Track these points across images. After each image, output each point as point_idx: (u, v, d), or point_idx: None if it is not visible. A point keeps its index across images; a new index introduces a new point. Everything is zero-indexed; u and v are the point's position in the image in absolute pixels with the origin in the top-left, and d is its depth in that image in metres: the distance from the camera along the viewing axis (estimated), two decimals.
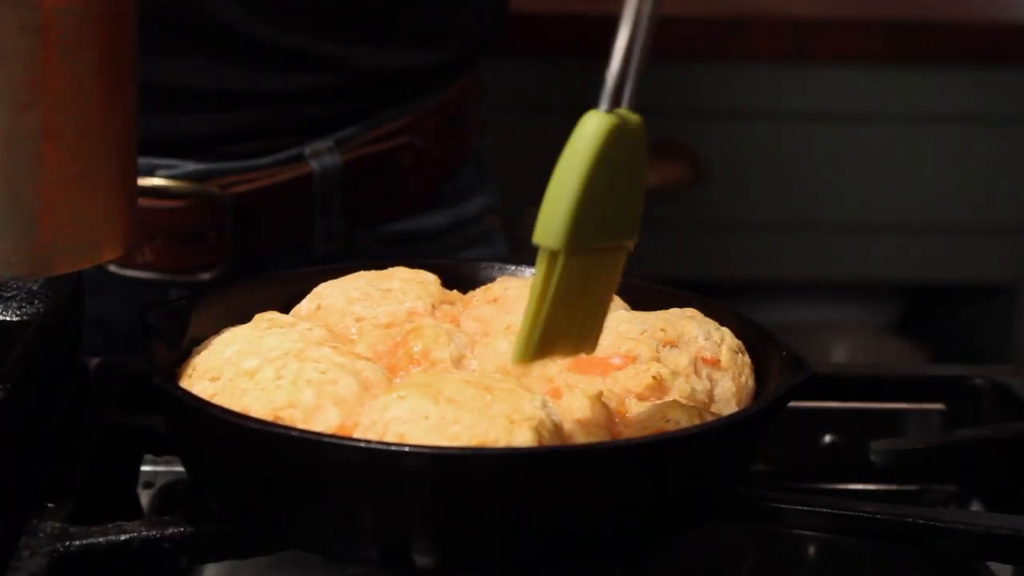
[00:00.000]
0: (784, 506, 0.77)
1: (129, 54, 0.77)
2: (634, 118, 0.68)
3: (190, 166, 1.13)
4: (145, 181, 1.11)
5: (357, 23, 1.16)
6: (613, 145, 0.67)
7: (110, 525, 0.71)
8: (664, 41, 2.04)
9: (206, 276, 1.14)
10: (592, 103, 0.68)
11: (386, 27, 1.17)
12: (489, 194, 1.29)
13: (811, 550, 0.90)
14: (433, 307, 0.82)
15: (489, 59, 1.29)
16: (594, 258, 0.70)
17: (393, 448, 0.66)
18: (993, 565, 0.83)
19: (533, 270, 0.87)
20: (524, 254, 0.94)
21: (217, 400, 0.71)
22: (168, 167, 1.13)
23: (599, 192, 0.67)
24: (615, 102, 0.67)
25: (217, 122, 1.14)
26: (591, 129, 0.67)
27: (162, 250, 1.14)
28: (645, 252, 2.15)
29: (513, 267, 0.89)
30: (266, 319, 0.79)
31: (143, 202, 1.12)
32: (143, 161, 1.13)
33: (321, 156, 1.15)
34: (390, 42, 1.18)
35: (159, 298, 1.13)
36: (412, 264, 0.86)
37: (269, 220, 1.15)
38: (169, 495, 0.91)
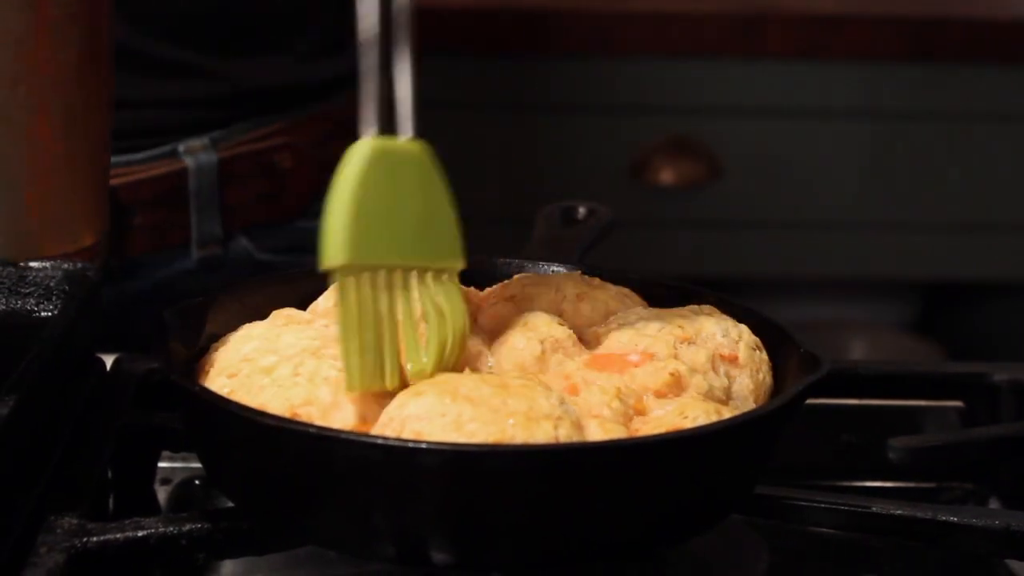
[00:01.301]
0: (801, 504, 0.77)
1: (109, 34, 0.77)
2: (411, 146, 0.72)
3: None
4: None
5: (238, 37, 1.17)
6: (382, 168, 0.71)
7: (127, 521, 0.71)
8: (679, 38, 2.05)
9: None
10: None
11: (268, 42, 1.18)
12: None
13: (828, 548, 0.90)
14: None
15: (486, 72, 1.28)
16: (403, 279, 0.72)
17: (410, 445, 0.66)
18: (1011, 563, 0.83)
19: (555, 266, 0.88)
20: (542, 250, 0.95)
21: (234, 397, 0.72)
22: None
23: (380, 213, 0.71)
24: (382, 128, 0.71)
25: None
26: (354, 155, 0.71)
27: None
28: (663, 250, 2.16)
29: (530, 264, 0.89)
30: (283, 316, 0.79)
31: None
32: None
33: (196, 153, 1.15)
34: (273, 57, 1.18)
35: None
36: None
37: (143, 218, 1.15)
38: (186, 492, 0.91)
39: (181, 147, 1.15)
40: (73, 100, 0.73)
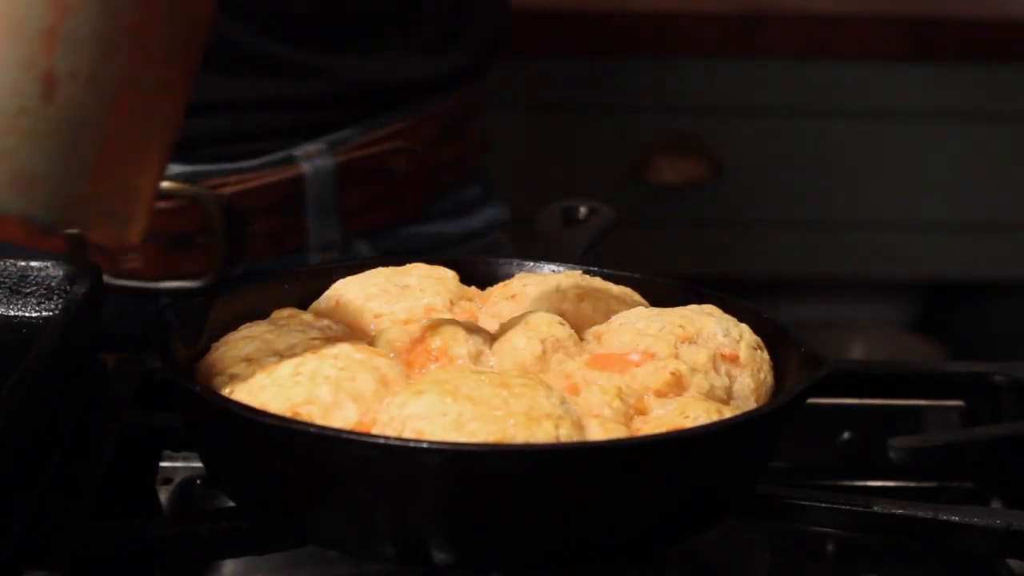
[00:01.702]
0: (802, 503, 0.77)
1: (208, 30, 0.75)
2: None
3: (177, 168, 1.12)
4: None
5: (346, 34, 1.15)
6: None
7: (128, 521, 0.71)
8: (681, 38, 2.05)
9: (196, 284, 1.13)
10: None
11: (376, 38, 1.16)
12: (496, 210, 1.27)
13: (829, 547, 0.90)
14: (451, 303, 0.82)
15: (491, 72, 1.27)
16: None
17: (411, 444, 0.66)
18: (1012, 563, 0.83)
19: (553, 266, 0.88)
20: (542, 250, 0.95)
21: (235, 397, 0.72)
22: None
23: None
24: None
25: (203, 125, 1.12)
26: None
27: (150, 255, 1.13)
28: (664, 249, 2.16)
29: (531, 263, 0.89)
30: (284, 315, 0.80)
31: None
32: None
33: (312, 158, 1.14)
34: (381, 53, 1.17)
35: (149, 307, 1.12)
36: (430, 260, 0.86)
37: (260, 225, 1.14)
38: (187, 491, 0.91)
39: (297, 152, 1.14)
40: (163, 81, 0.71)
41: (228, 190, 1.13)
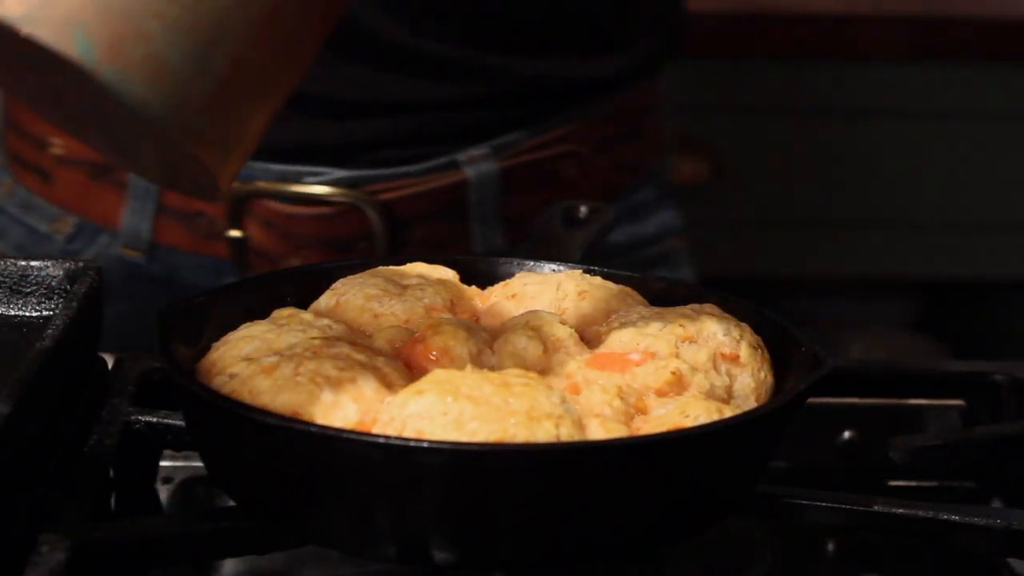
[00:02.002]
0: (802, 502, 0.77)
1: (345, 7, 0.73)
2: None
3: (338, 173, 1.11)
4: (292, 187, 1.09)
5: (514, 33, 1.12)
6: None
7: (129, 520, 0.72)
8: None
9: None
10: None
11: (546, 37, 1.13)
12: (671, 215, 1.24)
13: (829, 547, 0.90)
14: (452, 303, 0.82)
15: (669, 72, 1.23)
16: None
17: (411, 444, 0.66)
18: (1013, 562, 0.83)
19: (553, 265, 0.88)
20: (543, 250, 0.95)
21: (236, 396, 0.72)
22: (316, 174, 1.10)
23: None
24: None
25: (366, 129, 1.11)
26: None
27: (311, 261, 1.11)
28: None
29: (531, 263, 0.89)
30: (284, 315, 0.79)
31: (291, 209, 1.10)
32: (291, 168, 1.11)
33: (476, 163, 1.11)
34: (551, 52, 1.13)
35: None
36: (431, 260, 0.86)
37: (421, 231, 1.12)
38: (188, 491, 0.91)
39: (461, 157, 1.12)
40: (301, 31, 0.69)
41: (389, 195, 1.11)
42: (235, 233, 1.12)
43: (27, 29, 0.62)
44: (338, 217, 1.11)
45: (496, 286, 0.86)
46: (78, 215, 1.17)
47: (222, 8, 0.65)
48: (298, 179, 1.10)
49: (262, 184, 1.12)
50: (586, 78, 1.15)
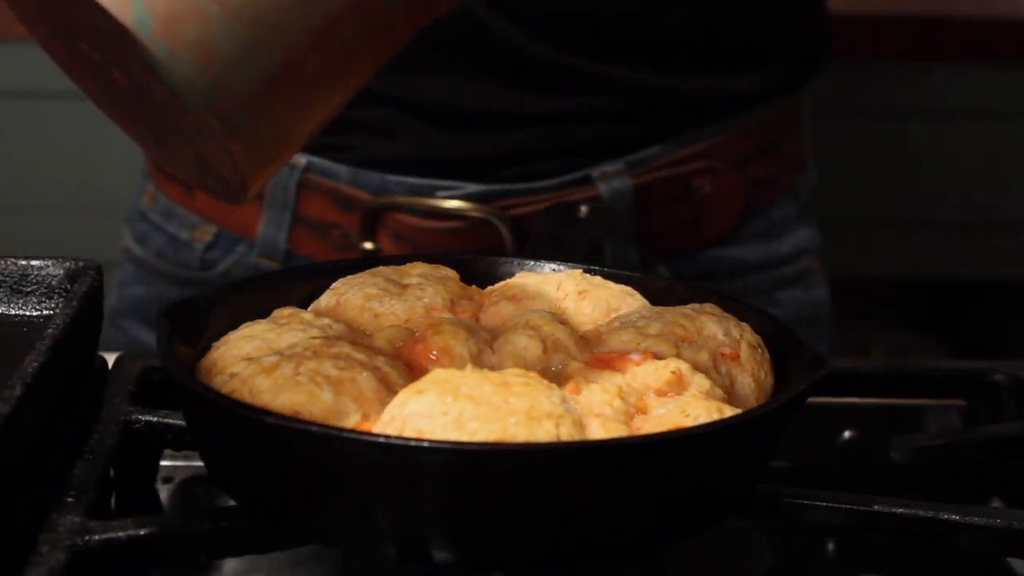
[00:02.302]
0: (803, 502, 0.76)
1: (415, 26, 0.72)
2: None
3: (470, 187, 1.10)
4: (425, 200, 1.09)
5: (655, 49, 1.11)
6: None
7: (129, 520, 0.71)
8: None
9: None
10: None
11: (681, 52, 1.12)
12: (808, 234, 1.22)
13: (829, 547, 0.90)
14: (452, 303, 0.82)
15: (809, 87, 1.21)
16: None
17: (411, 444, 0.66)
18: (1013, 562, 0.83)
19: (553, 265, 0.88)
20: (543, 250, 0.95)
21: (236, 396, 0.72)
22: (448, 188, 1.10)
23: None
24: None
25: (500, 143, 1.10)
26: None
27: None
28: None
29: (532, 263, 0.89)
30: (285, 315, 0.79)
31: (423, 222, 1.10)
32: (424, 182, 1.10)
33: (610, 179, 1.10)
34: (692, 68, 1.12)
35: None
36: (431, 260, 0.86)
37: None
38: (188, 490, 0.91)
39: (594, 172, 1.10)
40: (358, 47, 0.69)
41: (521, 211, 1.10)
42: (368, 245, 1.12)
43: None
44: (470, 231, 1.11)
45: (496, 286, 0.86)
46: (217, 224, 1.19)
47: (283, 7, 0.65)
48: (431, 193, 1.10)
49: (396, 197, 1.12)
50: (728, 94, 1.14)
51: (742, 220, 1.16)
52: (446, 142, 1.09)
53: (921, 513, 0.76)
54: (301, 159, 1.13)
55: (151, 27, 0.62)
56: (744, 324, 0.80)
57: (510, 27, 1.06)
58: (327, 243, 1.14)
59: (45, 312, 0.88)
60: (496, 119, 1.09)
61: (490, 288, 0.86)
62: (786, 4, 1.15)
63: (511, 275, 0.87)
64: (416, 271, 0.85)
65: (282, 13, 0.65)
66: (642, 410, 0.73)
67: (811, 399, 0.75)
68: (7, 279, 0.88)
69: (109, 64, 0.68)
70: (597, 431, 0.70)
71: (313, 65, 0.66)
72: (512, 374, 0.72)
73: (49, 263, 0.88)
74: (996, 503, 0.92)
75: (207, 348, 0.78)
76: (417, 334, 0.77)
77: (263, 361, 0.73)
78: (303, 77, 0.66)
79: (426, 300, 0.81)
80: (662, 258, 1.14)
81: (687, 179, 1.12)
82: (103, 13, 0.62)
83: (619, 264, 1.11)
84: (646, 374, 0.75)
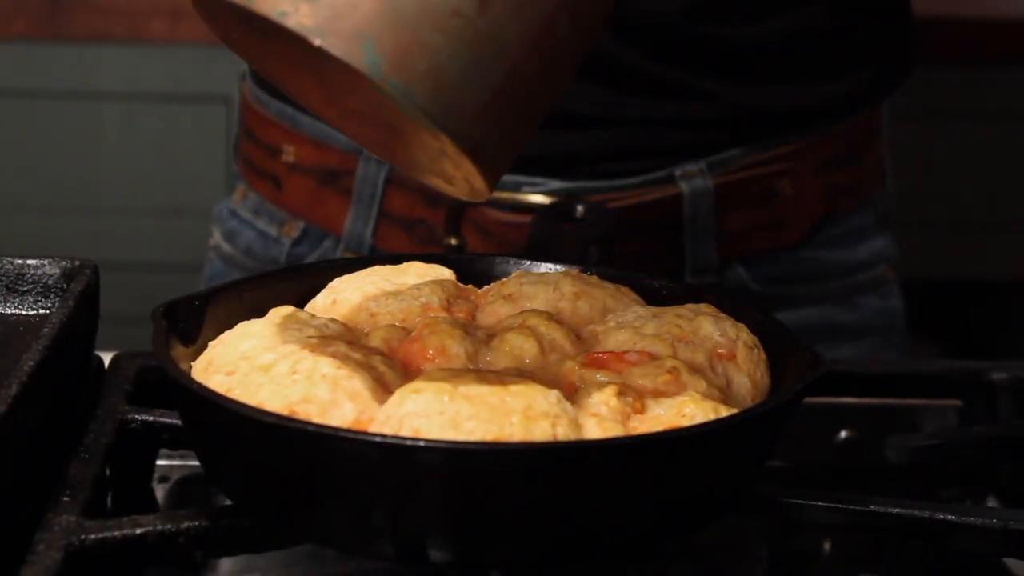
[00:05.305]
0: (800, 502, 0.76)
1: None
2: None
3: (555, 184, 1.11)
4: (511, 195, 1.10)
5: (738, 60, 1.12)
6: None
7: (125, 519, 0.71)
8: None
9: None
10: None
11: (769, 65, 1.13)
12: (885, 243, 1.23)
13: (828, 547, 0.90)
14: (449, 302, 0.82)
15: (892, 98, 1.21)
16: None
17: (408, 443, 0.66)
18: (1010, 562, 0.83)
19: (549, 265, 0.88)
20: (540, 249, 0.95)
21: (232, 395, 0.72)
22: (533, 184, 1.11)
23: None
24: None
25: (585, 141, 1.11)
26: None
27: None
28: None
29: (529, 262, 0.89)
30: (281, 314, 0.79)
31: (508, 217, 1.11)
32: (509, 178, 1.10)
33: (692, 178, 1.11)
34: (778, 79, 1.13)
35: None
36: (428, 259, 0.86)
37: (633, 244, 1.11)
38: (184, 489, 0.91)
39: (677, 172, 1.11)
40: (569, 50, 0.70)
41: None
42: (453, 241, 1.12)
43: (319, 41, 0.64)
44: None
45: (493, 285, 0.85)
46: (305, 219, 1.19)
47: (501, 20, 0.67)
48: (517, 188, 1.11)
49: None
50: (812, 104, 1.15)
51: (822, 225, 1.17)
52: (534, 139, 1.10)
53: (918, 513, 0.76)
54: None
55: (383, 67, 0.65)
56: (740, 324, 0.80)
57: (607, 35, 1.07)
58: (412, 238, 1.15)
59: (41, 311, 0.88)
60: (585, 120, 1.10)
61: (487, 288, 0.86)
62: (876, 16, 1.16)
63: (507, 275, 0.87)
64: (413, 271, 0.85)
65: (501, 26, 0.67)
66: (639, 410, 0.73)
67: (808, 399, 0.75)
68: (3, 278, 0.88)
69: (341, 94, 0.70)
70: (594, 431, 0.70)
71: (533, 67, 0.68)
72: (508, 374, 0.72)
73: (46, 262, 0.88)
74: (992, 503, 0.92)
75: (204, 347, 0.78)
76: (413, 334, 0.77)
77: (260, 360, 0.73)
78: (525, 81, 0.68)
79: (423, 300, 0.81)
80: (743, 259, 1.15)
81: (768, 180, 1.13)
82: (336, 61, 0.64)
83: (698, 265, 1.12)
84: (642, 374, 0.75)
